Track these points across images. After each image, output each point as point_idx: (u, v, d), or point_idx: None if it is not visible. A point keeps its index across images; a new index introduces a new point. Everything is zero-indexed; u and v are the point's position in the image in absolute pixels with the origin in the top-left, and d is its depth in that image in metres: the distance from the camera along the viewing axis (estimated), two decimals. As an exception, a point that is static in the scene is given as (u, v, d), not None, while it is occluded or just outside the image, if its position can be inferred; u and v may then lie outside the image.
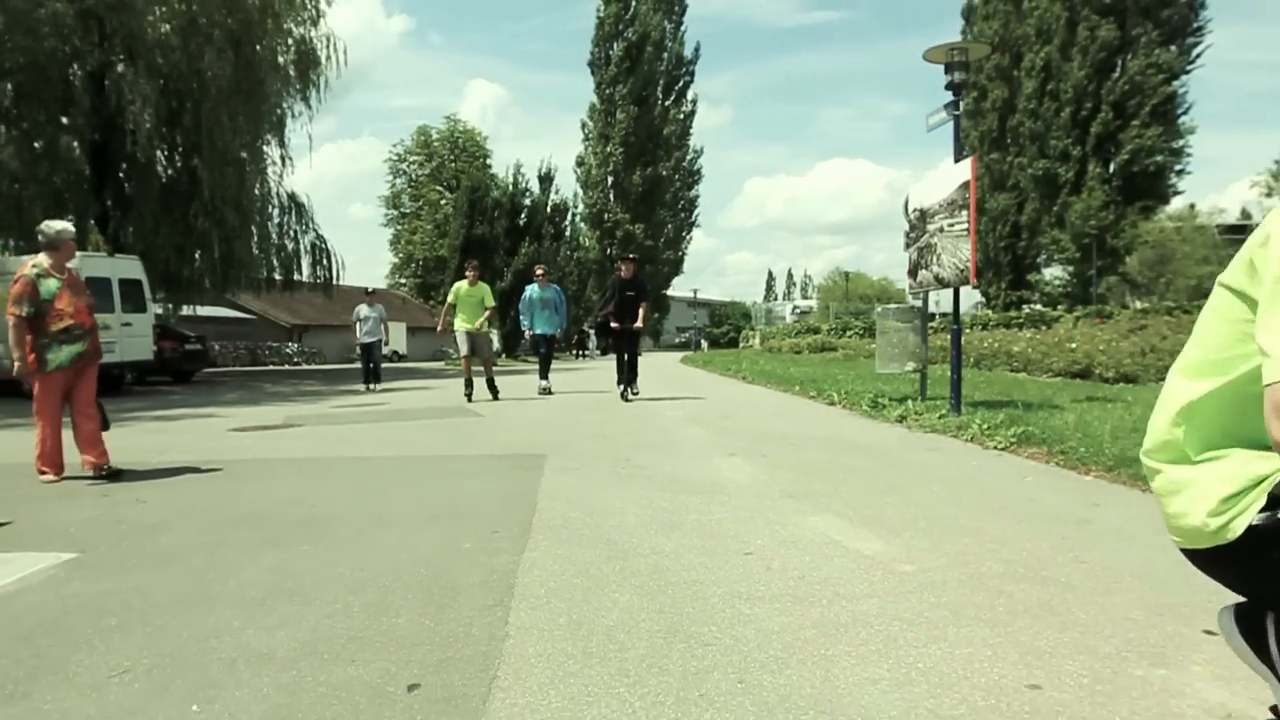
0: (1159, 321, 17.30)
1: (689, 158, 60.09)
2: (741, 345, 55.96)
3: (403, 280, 62.92)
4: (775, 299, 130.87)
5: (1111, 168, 40.17)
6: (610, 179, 55.82)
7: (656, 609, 2.98)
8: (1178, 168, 41.08)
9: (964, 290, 8.72)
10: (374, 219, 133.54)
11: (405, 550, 3.85)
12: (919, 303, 9.94)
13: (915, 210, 9.25)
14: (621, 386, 12.52)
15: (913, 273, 9.36)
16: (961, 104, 8.47)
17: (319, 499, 5.24)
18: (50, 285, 6.18)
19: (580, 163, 56.41)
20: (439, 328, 13.97)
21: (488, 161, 60.38)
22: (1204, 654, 2.48)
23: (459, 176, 58.94)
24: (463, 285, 13.34)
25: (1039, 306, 33.11)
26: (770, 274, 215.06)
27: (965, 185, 8.13)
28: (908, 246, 9.43)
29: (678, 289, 68.41)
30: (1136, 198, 40.00)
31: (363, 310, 17.60)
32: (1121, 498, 4.76)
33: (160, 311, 19.75)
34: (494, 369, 13.68)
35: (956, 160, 8.58)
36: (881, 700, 2.23)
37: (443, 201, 58.57)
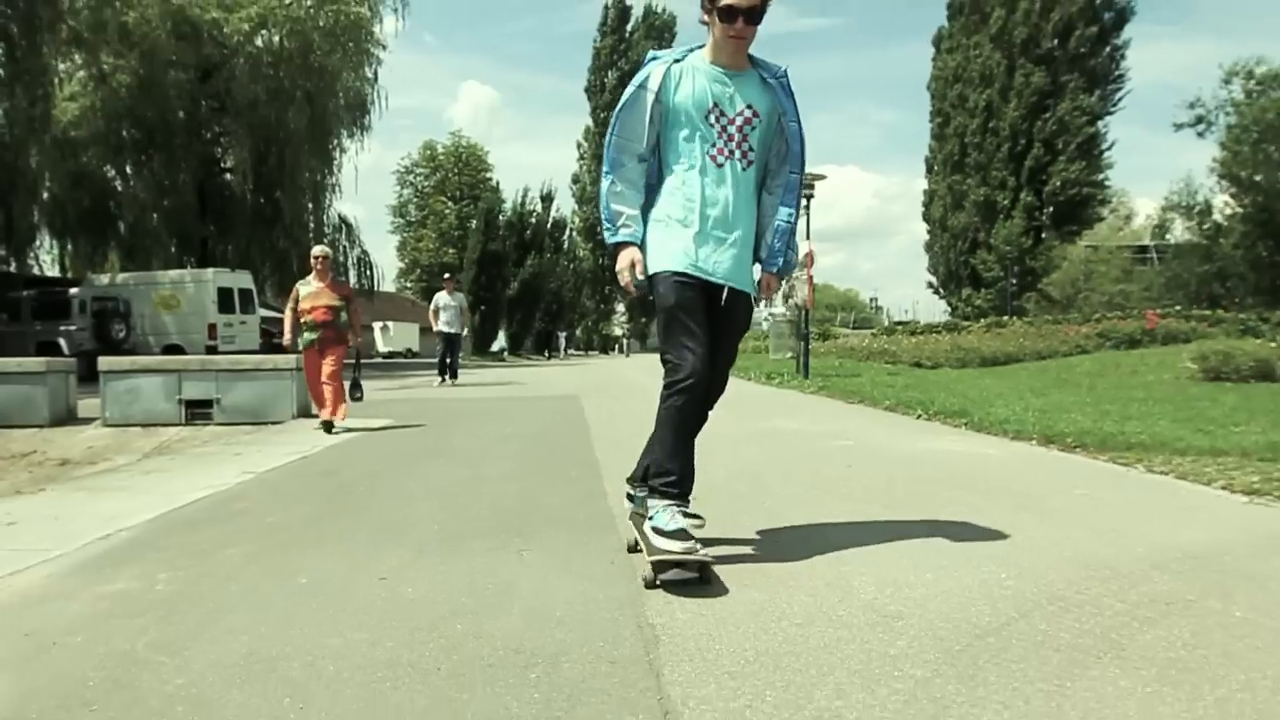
0: (1019, 328, 23.37)
1: (674, 176, 65.72)
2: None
3: (408, 285, 68.14)
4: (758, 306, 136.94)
5: (1043, 197, 46.07)
6: (603, 195, 61.38)
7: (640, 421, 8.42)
8: (1099, 197, 47.25)
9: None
10: (363, 216, 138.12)
11: (540, 419, 9.25)
12: (794, 316, 15.77)
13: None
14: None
15: (785, 299, 15.15)
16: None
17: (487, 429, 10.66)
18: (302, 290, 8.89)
19: (575, 180, 61.97)
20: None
21: (489, 175, 65.67)
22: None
23: (463, 189, 64.63)
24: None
25: (963, 320, 38.74)
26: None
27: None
28: (790, 284, 15.18)
29: (663, 295, 73.93)
30: (1063, 223, 45.97)
31: (441, 299, 16.15)
32: (858, 412, 10.20)
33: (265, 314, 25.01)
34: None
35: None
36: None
37: (447, 211, 63.92)
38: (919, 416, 8.44)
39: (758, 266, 3.21)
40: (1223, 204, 34.70)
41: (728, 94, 3.03)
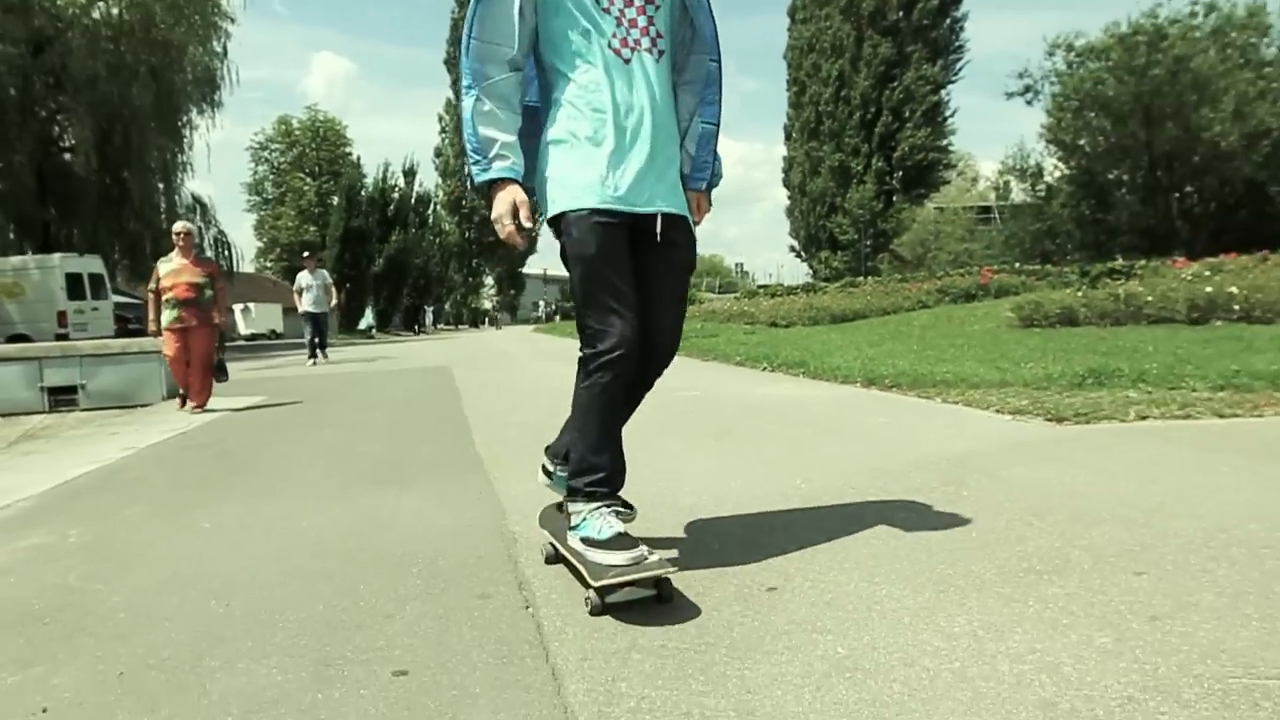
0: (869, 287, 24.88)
1: (540, 145, 65.58)
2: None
3: (268, 264, 65.89)
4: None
5: (892, 162, 48.47)
6: (466, 168, 60.80)
7: (509, 387, 8.93)
8: (944, 161, 50.10)
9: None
10: (217, 195, 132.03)
11: (414, 385, 9.64)
12: None
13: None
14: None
15: None
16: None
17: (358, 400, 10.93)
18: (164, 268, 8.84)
19: (438, 153, 61.08)
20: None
21: (348, 150, 63.93)
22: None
23: (321, 165, 62.79)
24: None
25: (823, 281, 40.55)
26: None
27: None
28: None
29: (532, 267, 74.02)
30: (912, 187, 48.52)
31: (305, 278, 15.82)
32: (711, 368, 10.97)
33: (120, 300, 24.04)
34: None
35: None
36: None
37: (306, 188, 62.00)
38: (764, 369, 9.25)
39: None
40: (1052, 167, 37.39)
41: None
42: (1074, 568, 2.32)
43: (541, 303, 77.28)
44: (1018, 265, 29.90)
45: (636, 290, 2.33)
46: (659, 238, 2.36)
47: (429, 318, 51.59)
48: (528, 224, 2.34)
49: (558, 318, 71.56)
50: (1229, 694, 1.58)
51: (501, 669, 1.90)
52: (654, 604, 2.21)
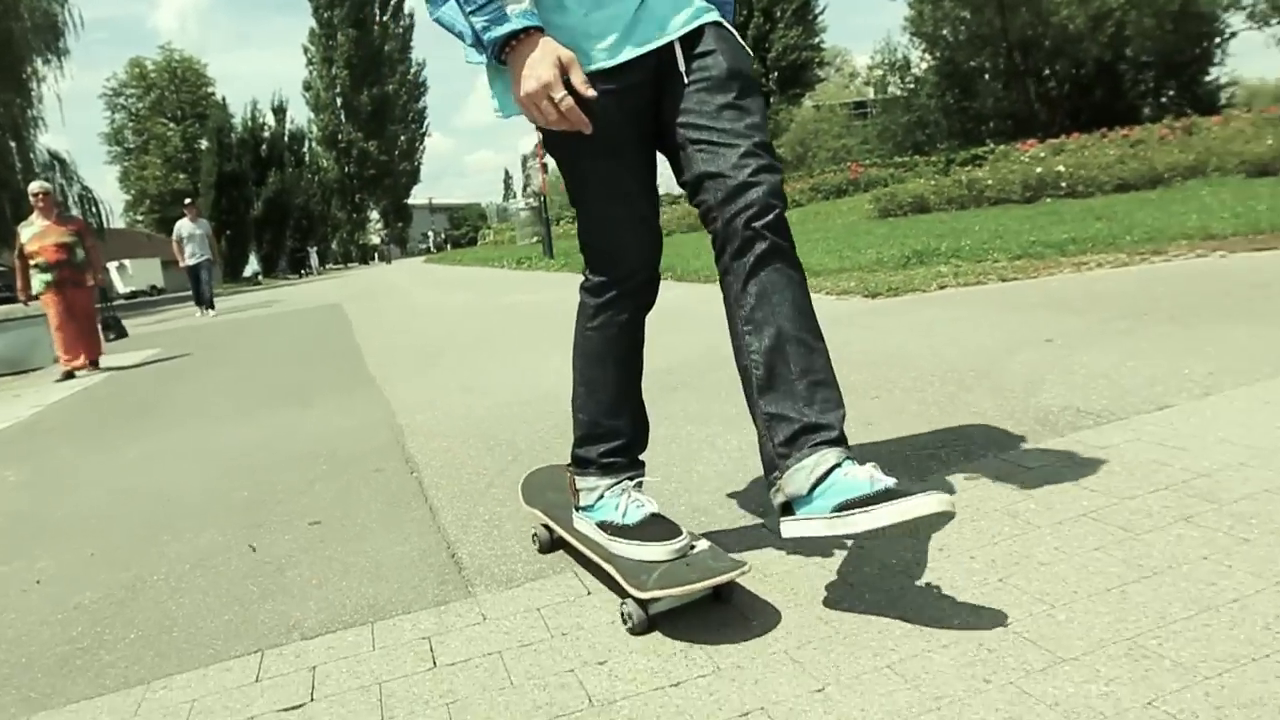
0: None
1: (413, 71, 63.94)
2: (480, 243, 61.93)
3: (139, 218, 63.14)
4: (514, 197, 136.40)
5: (767, 64, 49.02)
6: (339, 100, 58.97)
7: (398, 316, 9.41)
8: (817, 59, 50.93)
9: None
10: (75, 149, 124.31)
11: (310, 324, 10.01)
12: (535, 204, 16.97)
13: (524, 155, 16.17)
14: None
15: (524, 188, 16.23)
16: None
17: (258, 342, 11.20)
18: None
19: (308, 87, 59.04)
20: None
21: (211, 90, 61.17)
22: None
23: (184, 108, 60.00)
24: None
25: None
26: (507, 172, 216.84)
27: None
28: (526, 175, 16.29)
29: (417, 197, 72.84)
30: (788, 87, 49.29)
31: (184, 227, 14.77)
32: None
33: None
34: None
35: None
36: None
37: (170, 134, 59.28)
38: (638, 277, 9.92)
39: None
40: (918, 59, 38.63)
41: None
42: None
43: (430, 233, 76.31)
44: (889, 158, 31.14)
45: (683, 149, 1.63)
46: (685, 69, 1.63)
47: (314, 259, 50.70)
48: (586, 89, 1.51)
49: (448, 245, 70.91)
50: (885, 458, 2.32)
51: (392, 512, 2.52)
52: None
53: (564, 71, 1.52)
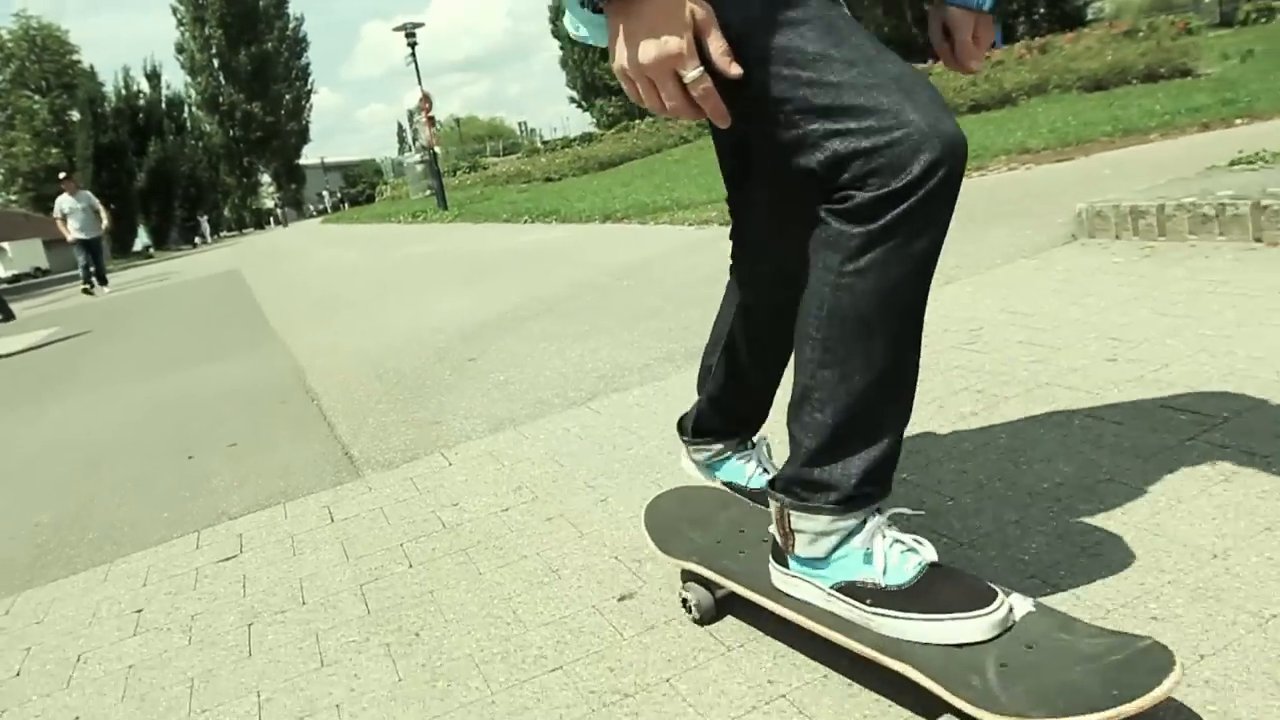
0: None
1: (292, 26, 61.70)
2: (378, 200, 60.75)
3: (12, 197, 60.14)
4: (409, 151, 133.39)
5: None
6: (216, 61, 56.71)
7: (296, 275, 9.71)
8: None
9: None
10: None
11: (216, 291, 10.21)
12: (425, 158, 17.23)
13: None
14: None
15: (413, 141, 16.44)
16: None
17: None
18: None
19: (181, 49, 56.52)
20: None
21: (77, 58, 58.15)
22: None
23: (48, 79, 56.96)
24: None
25: (606, 129, 41.51)
26: (400, 126, 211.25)
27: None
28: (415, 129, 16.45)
29: (309, 157, 70.84)
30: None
31: (66, 203, 13.92)
32: (484, 228, 11.99)
33: None
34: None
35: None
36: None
37: (36, 107, 56.35)
38: (525, 221, 10.39)
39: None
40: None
41: None
42: (664, 310, 3.65)
43: (326, 193, 74.46)
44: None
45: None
46: None
47: (206, 228, 49.32)
48: (731, 67, 0.96)
49: (346, 205, 69.42)
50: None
51: (298, 430, 3.03)
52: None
53: (698, 35, 0.95)
